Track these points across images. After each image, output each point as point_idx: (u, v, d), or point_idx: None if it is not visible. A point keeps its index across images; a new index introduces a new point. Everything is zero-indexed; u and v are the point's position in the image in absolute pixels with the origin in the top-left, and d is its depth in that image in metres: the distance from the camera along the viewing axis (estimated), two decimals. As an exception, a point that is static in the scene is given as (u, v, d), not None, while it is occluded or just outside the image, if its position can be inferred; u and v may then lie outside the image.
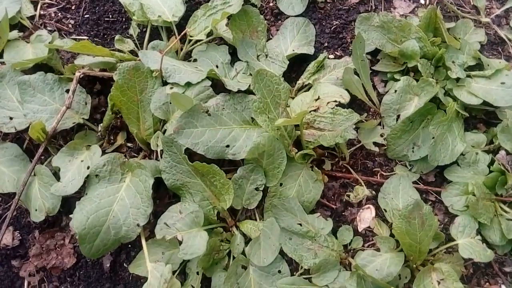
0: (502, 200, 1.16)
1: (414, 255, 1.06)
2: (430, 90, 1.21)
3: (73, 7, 1.52)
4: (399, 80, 1.27)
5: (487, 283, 1.13)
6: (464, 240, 1.09)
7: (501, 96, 1.21)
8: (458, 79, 1.28)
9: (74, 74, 1.26)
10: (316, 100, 1.08)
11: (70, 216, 1.08)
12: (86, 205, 1.05)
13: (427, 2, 1.50)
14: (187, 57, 1.39)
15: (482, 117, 1.30)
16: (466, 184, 1.17)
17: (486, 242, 1.12)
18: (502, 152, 1.19)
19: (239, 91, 1.18)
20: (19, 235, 1.21)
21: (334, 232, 1.16)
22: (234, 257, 1.12)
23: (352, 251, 1.15)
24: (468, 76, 1.28)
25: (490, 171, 1.19)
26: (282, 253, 1.10)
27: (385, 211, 1.15)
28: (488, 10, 1.50)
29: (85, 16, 1.50)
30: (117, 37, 1.38)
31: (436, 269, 1.06)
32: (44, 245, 1.17)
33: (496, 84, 1.24)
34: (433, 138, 1.18)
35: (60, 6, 1.51)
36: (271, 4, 1.51)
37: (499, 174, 1.16)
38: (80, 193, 1.17)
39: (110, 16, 1.49)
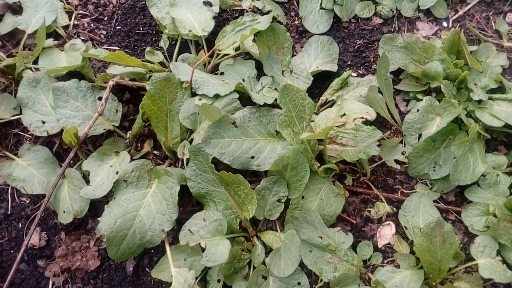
0: (523, 222, 1.17)
1: (434, 273, 1.07)
2: (453, 110, 1.23)
3: (105, 19, 1.58)
4: (421, 100, 1.29)
5: (507, 305, 1.13)
6: (484, 260, 1.10)
7: (523, 119, 1.23)
8: (480, 101, 1.30)
9: (106, 82, 1.31)
10: (342, 116, 1.11)
11: (98, 219, 1.11)
12: (114, 208, 1.09)
13: (450, 25, 1.53)
14: (214, 70, 1.43)
15: (503, 139, 1.32)
16: (486, 205, 1.17)
17: (506, 263, 1.12)
18: (523, 175, 1.20)
19: (265, 105, 1.22)
20: (46, 235, 1.24)
21: (353, 247, 1.17)
22: (254, 267, 1.13)
23: (371, 266, 1.16)
24: (490, 98, 1.30)
25: (511, 193, 1.19)
26: (302, 265, 1.12)
27: (406, 228, 1.17)
28: (510, 35, 1.53)
29: (117, 27, 1.56)
30: (148, 49, 1.44)
31: (455, 287, 1.06)
32: (69, 247, 1.20)
33: (518, 107, 1.26)
34: (454, 158, 1.19)
35: (93, 17, 1.58)
36: (296, 22, 1.56)
37: (520, 196, 1.17)
38: (107, 197, 1.21)
39: (141, 29, 1.55)
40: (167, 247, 1.15)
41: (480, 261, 1.10)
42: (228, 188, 1.15)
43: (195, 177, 1.16)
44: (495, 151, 1.29)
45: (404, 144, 1.29)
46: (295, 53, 1.50)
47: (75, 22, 1.57)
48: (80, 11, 1.59)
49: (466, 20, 1.54)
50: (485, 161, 1.23)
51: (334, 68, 1.43)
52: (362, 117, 1.04)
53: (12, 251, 1.24)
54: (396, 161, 1.28)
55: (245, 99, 1.27)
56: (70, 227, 1.24)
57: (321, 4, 1.53)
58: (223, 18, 1.55)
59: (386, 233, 1.18)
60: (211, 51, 1.31)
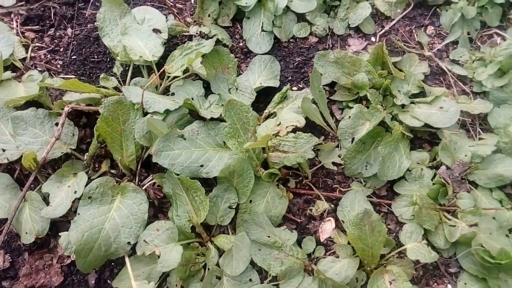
0: (445, 209, 1.32)
1: (368, 259, 1.20)
2: (378, 115, 1.39)
3: (61, 49, 1.68)
4: (352, 107, 1.45)
5: (435, 283, 1.27)
6: (412, 244, 1.24)
7: (440, 119, 1.40)
8: (403, 105, 1.46)
9: (63, 109, 1.40)
10: (278, 125, 1.24)
11: (60, 234, 1.19)
12: (80, 223, 1.17)
13: (378, 40, 1.71)
14: (166, 91, 1.54)
15: (427, 138, 1.48)
16: (413, 196, 1.32)
17: (433, 247, 1.27)
18: (443, 167, 1.36)
19: (212, 119, 1.34)
20: (9, 257, 1.30)
21: (299, 243, 1.29)
22: (209, 269, 1.23)
23: (315, 259, 1.27)
24: (412, 102, 1.47)
25: (434, 184, 1.35)
26: (252, 263, 1.22)
27: (343, 222, 1.30)
28: (430, 45, 1.72)
29: (73, 57, 1.65)
30: (102, 75, 1.54)
31: (388, 271, 1.19)
32: (33, 266, 1.26)
33: (436, 108, 1.43)
34: (382, 157, 1.34)
35: (50, 48, 1.67)
36: (241, 44, 1.71)
37: (441, 186, 1.33)
38: (67, 217, 1.30)
39: (96, 57, 1.65)
40: (127, 259, 1.23)
41: (408, 245, 1.24)
42: (188, 193, 1.26)
43: (168, 178, 1.28)
44: (419, 149, 1.45)
45: (340, 148, 1.43)
46: (241, 72, 1.64)
47: (32, 54, 1.66)
48: (37, 44, 1.68)
49: (392, 34, 1.73)
50: (410, 157, 1.38)
51: (276, 84, 1.58)
52: (293, 125, 1.18)
53: (-24, 275, 1.28)
54: (334, 163, 1.42)
55: (194, 116, 1.39)
56: (33, 248, 1.30)
57: (262, 27, 1.68)
58: (174, 43, 1.68)
59: (327, 228, 1.31)
60: (159, 72, 1.43)
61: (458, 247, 1.28)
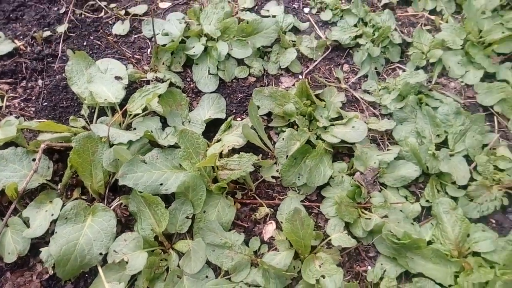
0: (362, 206, 1.64)
1: (301, 249, 1.47)
2: (305, 136, 1.73)
3: (33, 98, 1.92)
4: (285, 131, 1.78)
5: (358, 266, 1.56)
6: (336, 234, 1.54)
7: (353, 136, 1.76)
8: (325, 127, 1.81)
9: (37, 147, 1.62)
10: (222, 146, 1.54)
11: (41, 250, 1.38)
12: (58, 239, 1.38)
13: (304, 77, 2.09)
14: (128, 127, 1.81)
15: (346, 152, 1.83)
16: (335, 197, 1.64)
17: (354, 237, 1.57)
18: (358, 173, 1.70)
19: (169, 146, 1.62)
20: (-8, 279, 1.47)
21: (246, 243, 1.55)
22: (171, 270, 1.46)
23: (260, 255, 1.53)
24: (332, 124, 1.83)
25: (351, 187, 1.67)
26: (208, 262, 1.46)
27: (281, 223, 1.58)
28: (346, 79, 2.12)
29: (44, 104, 1.90)
30: (71, 117, 1.79)
31: (318, 257, 1.48)
32: (15, 282, 1.43)
33: (350, 128, 1.79)
34: (309, 168, 1.66)
35: (23, 97, 1.91)
36: (192, 85, 2.02)
37: (357, 188, 1.65)
38: (44, 238, 1.50)
39: (64, 103, 1.91)
40: (99, 268, 1.44)
41: (333, 236, 1.54)
42: (150, 208, 1.50)
43: (132, 198, 1.51)
44: (340, 160, 1.79)
45: (278, 164, 1.74)
46: (193, 108, 1.94)
47: (7, 103, 1.89)
48: (11, 94, 1.92)
49: (315, 72, 2.12)
50: (332, 168, 1.71)
51: (223, 116, 1.89)
52: (233, 144, 1.48)
53: (-39, 298, 1.44)
54: (273, 177, 1.72)
55: (154, 145, 1.66)
56: (14, 267, 1.48)
57: (208, 71, 2.02)
58: (134, 87, 1.97)
59: (269, 229, 1.59)
60: (121, 111, 1.70)
61: (374, 236, 1.58)
